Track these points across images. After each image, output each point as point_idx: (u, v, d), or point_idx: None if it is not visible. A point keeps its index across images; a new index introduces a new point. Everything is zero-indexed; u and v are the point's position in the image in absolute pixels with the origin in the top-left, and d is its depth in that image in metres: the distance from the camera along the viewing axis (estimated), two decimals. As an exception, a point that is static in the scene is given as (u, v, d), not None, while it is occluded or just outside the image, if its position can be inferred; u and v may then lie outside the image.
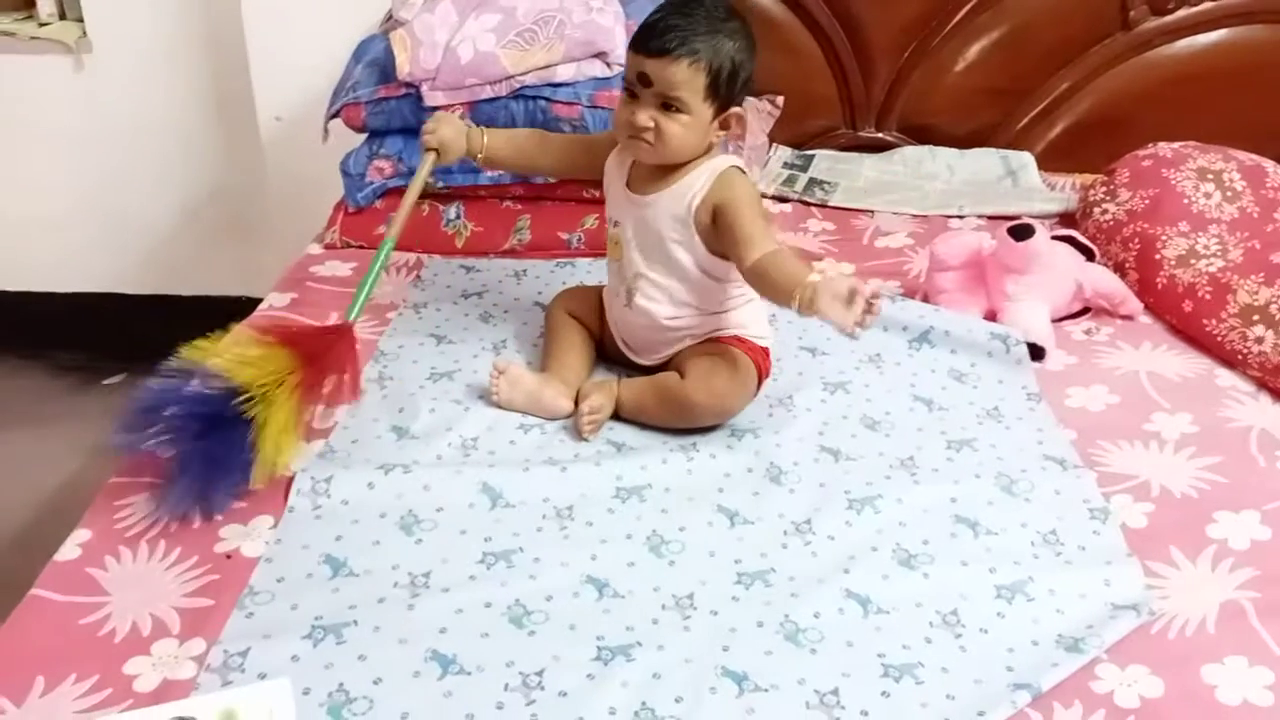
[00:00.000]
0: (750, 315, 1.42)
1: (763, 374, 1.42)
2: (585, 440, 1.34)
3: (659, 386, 1.38)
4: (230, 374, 1.23)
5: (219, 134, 2.36)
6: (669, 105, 1.28)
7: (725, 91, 1.30)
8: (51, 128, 2.36)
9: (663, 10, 1.30)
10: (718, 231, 1.33)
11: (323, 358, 1.29)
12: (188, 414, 1.22)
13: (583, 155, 1.49)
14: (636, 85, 1.29)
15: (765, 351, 1.43)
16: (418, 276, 1.73)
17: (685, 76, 1.27)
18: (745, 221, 1.30)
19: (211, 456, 1.19)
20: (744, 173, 1.36)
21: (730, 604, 1.12)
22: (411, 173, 1.78)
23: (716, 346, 1.40)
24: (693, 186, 1.34)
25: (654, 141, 1.30)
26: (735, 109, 1.33)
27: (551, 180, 1.78)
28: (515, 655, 1.04)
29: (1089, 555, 1.20)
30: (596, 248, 1.79)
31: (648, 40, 1.28)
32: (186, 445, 1.21)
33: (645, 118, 1.29)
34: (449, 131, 1.45)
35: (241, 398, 1.21)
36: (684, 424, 1.36)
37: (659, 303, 1.39)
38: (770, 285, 1.27)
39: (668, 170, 1.36)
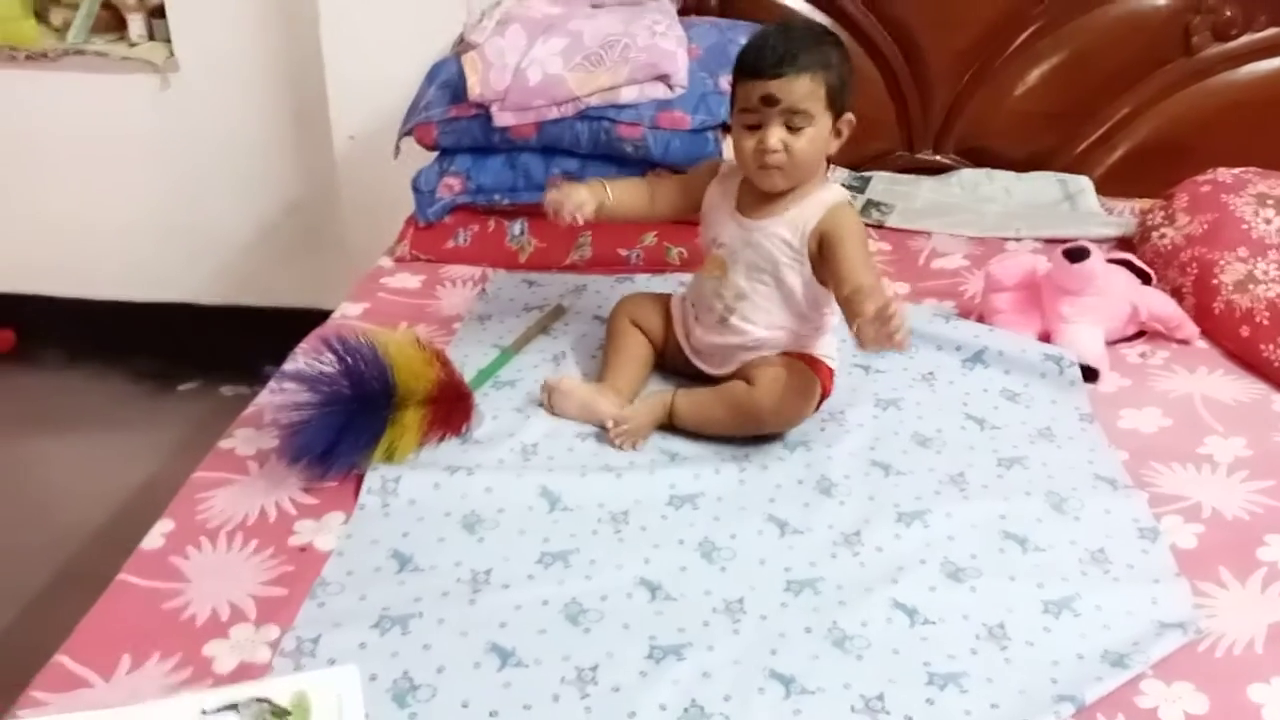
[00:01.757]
0: (825, 336, 1.48)
1: (826, 392, 1.46)
2: (619, 449, 1.38)
3: (726, 394, 1.42)
4: (395, 368, 1.33)
5: (295, 151, 2.46)
6: (792, 124, 1.33)
7: (840, 100, 1.36)
8: (138, 143, 2.47)
9: (763, 38, 1.35)
10: (822, 259, 1.38)
11: (450, 406, 1.38)
12: (343, 382, 1.31)
13: (683, 198, 1.53)
14: (760, 109, 1.33)
15: (831, 372, 1.48)
16: (483, 289, 1.79)
17: (809, 89, 1.32)
18: (849, 252, 1.35)
19: (345, 427, 1.28)
20: (852, 205, 1.43)
21: (779, 610, 1.15)
22: (480, 190, 1.87)
23: (787, 359, 1.44)
24: (804, 213, 1.39)
25: (785, 164, 1.35)
26: (847, 115, 1.39)
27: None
28: (571, 650, 1.08)
29: (1137, 573, 1.21)
30: (654, 264, 1.85)
31: (763, 64, 1.32)
32: (330, 407, 1.30)
33: (776, 139, 1.33)
34: (579, 193, 1.46)
35: (390, 393, 1.31)
36: (749, 430, 1.40)
37: (757, 324, 1.44)
38: (875, 290, 1.33)
39: (778, 196, 1.40)
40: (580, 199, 1.44)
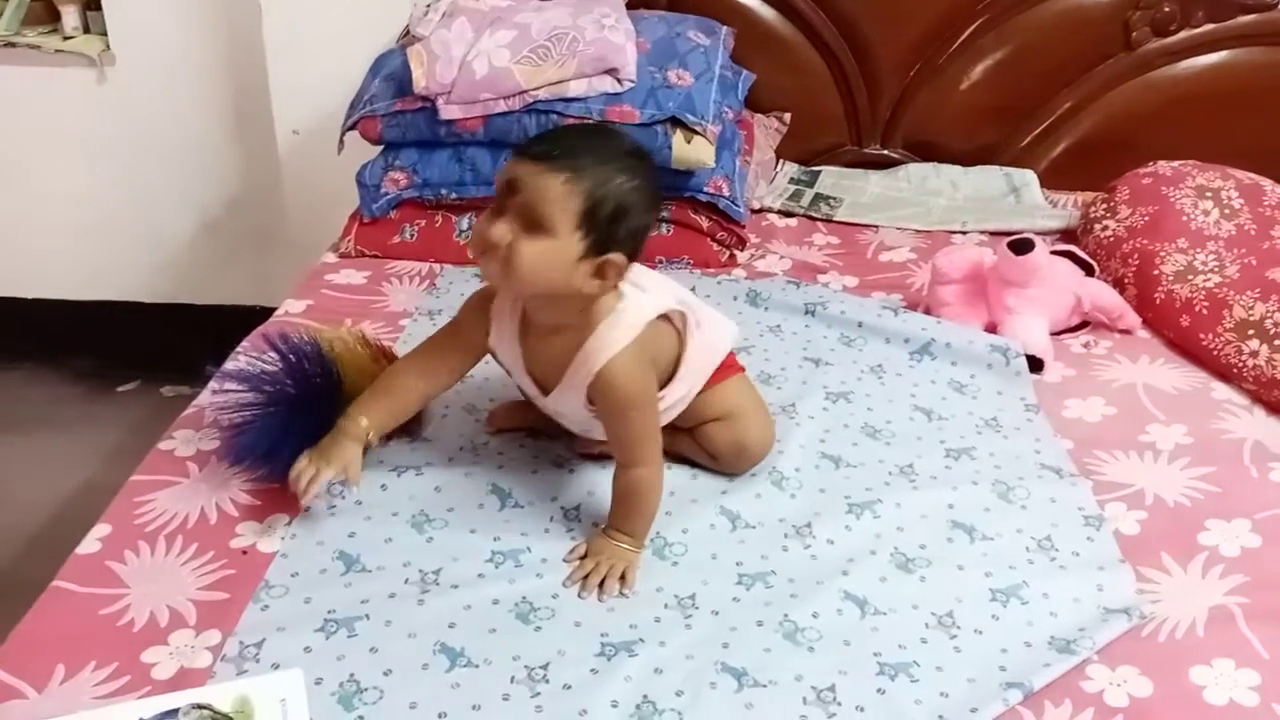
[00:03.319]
0: (709, 357, 1.30)
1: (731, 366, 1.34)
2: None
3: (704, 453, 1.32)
4: (341, 366, 1.31)
5: (236, 146, 2.41)
6: (532, 225, 1.09)
7: (603, 230, 1.10)
8: (73, 139, 2.41)
9: (563, 128, 1.19)
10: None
11: None
12: (287, 381, 1.28)
13: (465, 355, 1.28)
14: (504, 194, 1.11)
15: (734, 366, 1.35)
16: (433, 285, 1.77)
17: (559, 192, 1.08)
18: (618, 430, 1.19)
19: (289, 427, 1.24)
20: (634, 355, 1.17)
21: (731, 604, 1.15)
22: (426, 184, 1.84)
23: (715, 401, 1.30)
24: (580, 372, 1.18)
25: (501, 265, 1.11)
26: (614, 256, 1.12)
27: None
28: (521, 650, 1.07)
29: (1082, 561, 1.23)
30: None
31: (530, 144, 1.14)
32: (273, 406, 1.27)
33: (502, 231, 1.10)
34: (340, 453, 1.20)
35: (335, 392, 1.29)
36: (742, 468, 1.33)
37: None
38: (626, 506, 1.19)
39: (560, 346, 1.19)
40: (342, 463, 1.18)
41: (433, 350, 1.28)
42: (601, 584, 1.16)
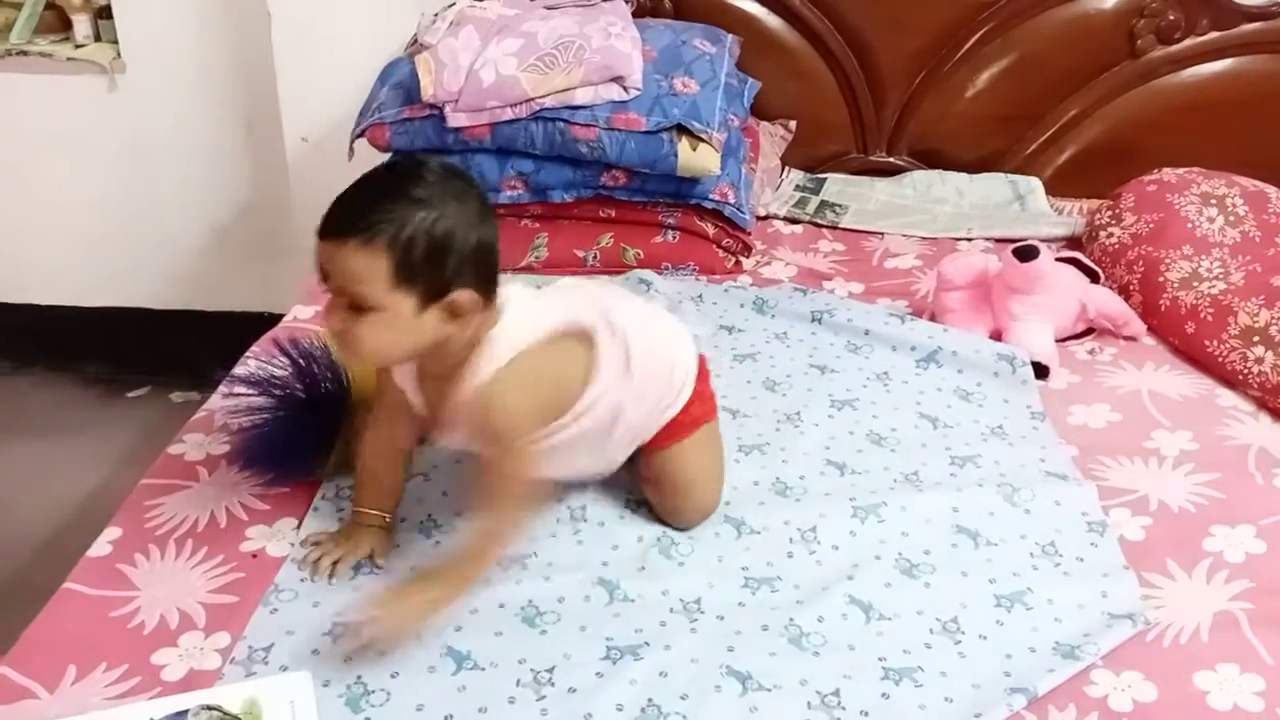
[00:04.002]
0: (646, 386, 1.20)
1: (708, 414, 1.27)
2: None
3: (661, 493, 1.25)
4: (350, 370, 1.30)
5: (246, 153, 2.42)
6: (355, 305, 1.02)
7: (428, 275, 1.01)
8: (84, 146, 2.43)
9: (355, 184, 1.05)
10: None
11: None
12: (296, 385, 1.28)
13: (401, 415, 1.19)
14: (323, 281, 1.04)
15: (705, 398, 1.27)
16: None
17: (359, 263, 1.00)
18: (490, 464, 1.11)
19: (299, 431, 1.25)
20: (511, 386, 1.07)
21: (736, 609, 1.15)
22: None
23: (670, 468, 1.24)
24: (458, 409, 1.10)
25: (350, 352, 1.08)
26: (459, 293, 1.03)
27: (567, 200, 1.84)
28: (527, 653, 1.08)
29: (1087, 567, 1.23)
30: (612, 265, 1.85)
31: (323, 221, 1.02)
32: (283, 410, 1.27)
33: (333, 321, 1.03)
34: (365, 540, 1.19)
35: (345, 396, 1.29)
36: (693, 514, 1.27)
37: (569, 471, 1.23)
38: (488, 538, 1.12)
39: (447, 390, 1.10)
40: (368, 548, 1.18)
41: (385, 421, 1.21)
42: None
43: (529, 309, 1.13)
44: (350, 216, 1.01)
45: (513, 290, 1.13)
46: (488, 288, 1.07)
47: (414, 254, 1.01)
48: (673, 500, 1.25)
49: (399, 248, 1.00)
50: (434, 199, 1.02)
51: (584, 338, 1.16)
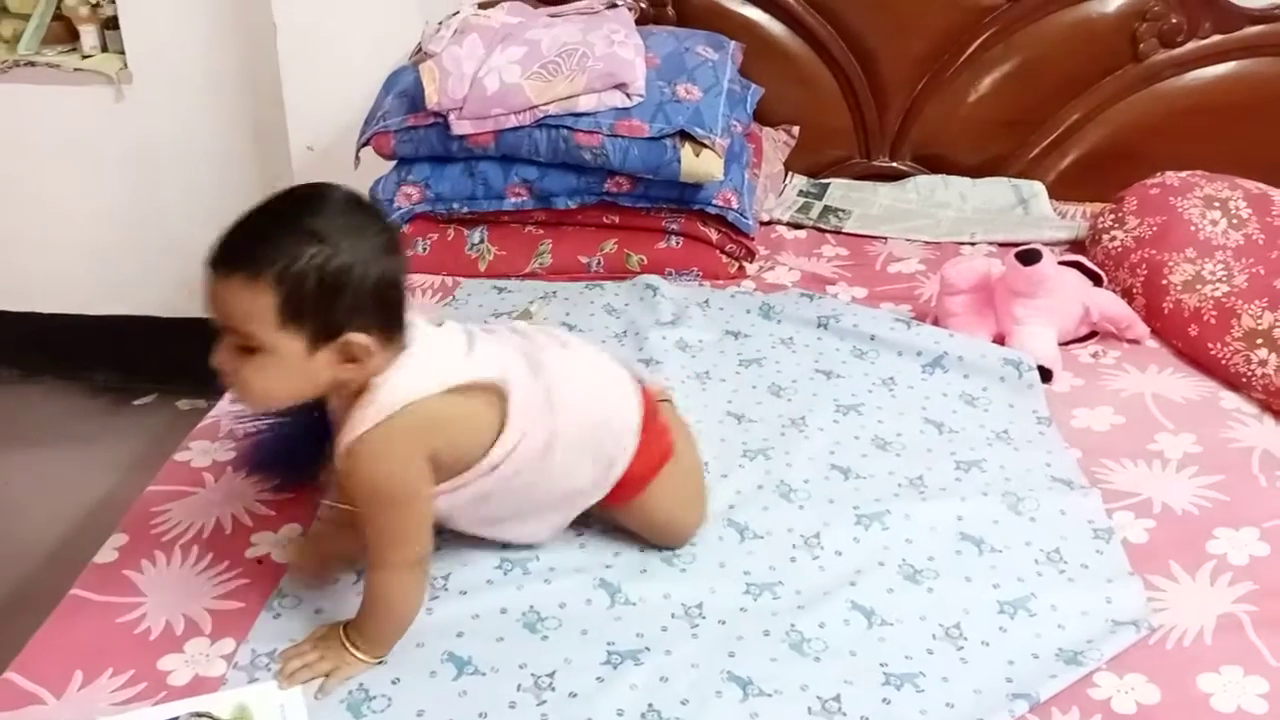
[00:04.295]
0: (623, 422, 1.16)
1: (665, 456, 1.20)
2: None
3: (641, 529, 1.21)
4: None
5: (252, 162, 2.44)
6: (243, 344, 0.97)
7: (319, 314, 0.95)
8: (91, 156, 2.44)
9: (238, 220, 0.99)
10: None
11: None
12: None
13: None
14: (214, 318, 0.98)
15: (657, 443, 1.19)
16: (453, 297, 1.79)
17: (243, 300, 0.94)
18: (365, 522, 1.04)
19: (304, 437, 1.23)
20: (399, 430, 1.01)
21: (738, 613, 1.15)
22: (438, 198, 1.87)
23: (637, 519, 1.21)
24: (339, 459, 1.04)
25: (241, 393, 1.01)
26: (353, 335, 0.97)
27: (571, 206, 1.85)
28: (528, 658, 1.08)
29: (1091, 574, 1.22)
30: (615, 271, 1.86)
31: (210, 253, 0.97)
32: (289, 416, 1.26)
33: (221, 360, 0.98)
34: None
35: None
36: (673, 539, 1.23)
37: (506, 533, 1.18)
38: (368, 610, 1.06)
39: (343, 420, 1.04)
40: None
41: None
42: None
43: (435, 359, 1.05)
44: (237, 248, 0.95)
45: (431, 334, 1.05)
46: (389, 329, 1.00)
47: (303, 291, 0.94)
48: (653, 538, 1.23)
49: (286, 284, 0.93)
50: (330, 232, 0.95)
51: (492, 390, 1.08)
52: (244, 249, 0.95)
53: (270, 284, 0.94)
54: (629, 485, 1.17)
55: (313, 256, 0.94)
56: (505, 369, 1.09)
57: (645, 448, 1.17)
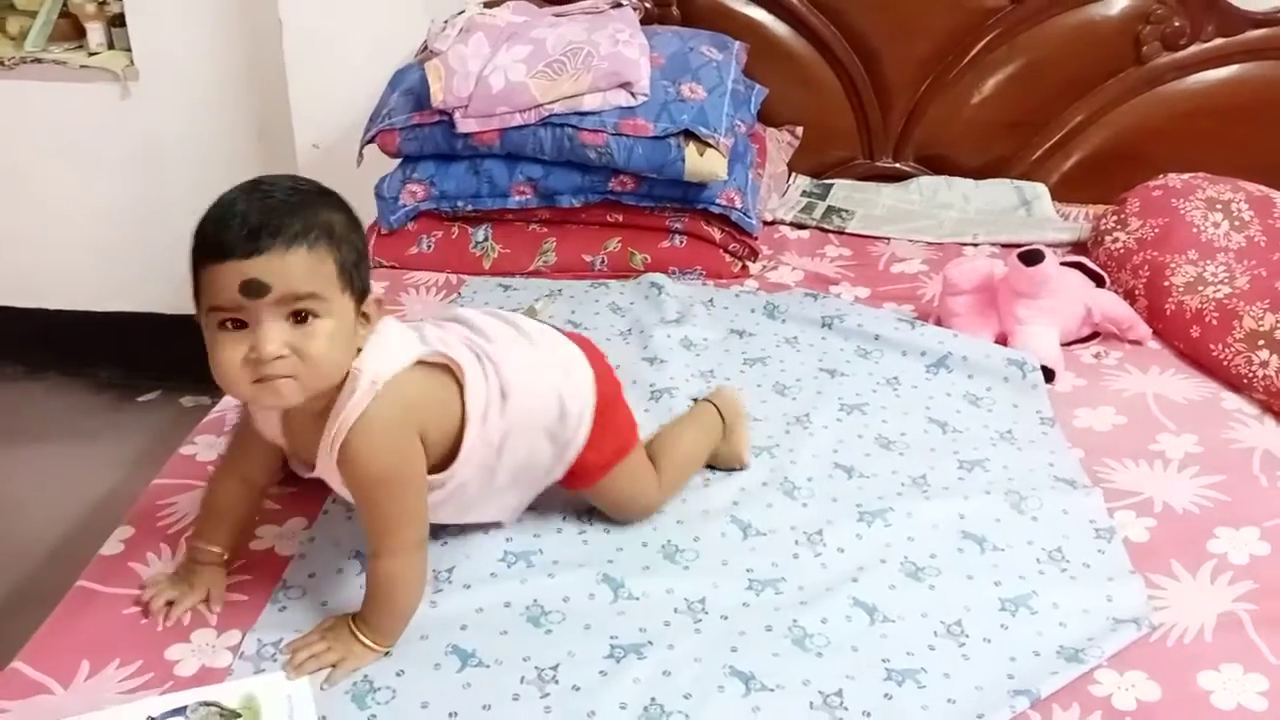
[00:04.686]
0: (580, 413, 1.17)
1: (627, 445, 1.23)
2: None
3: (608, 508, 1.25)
4: None
5: (257, 159, 2.44)
6: (301, 314, 0.96)
7: (357, 272, 1.00)
8: (97, 153, 2.45)
9: (228, 204, 0.97)
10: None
11: None
12: None
13: (256, 448, 1.14)
14: (245, 303, 0.94)
15: (618, 430, 1.23)
16: (458, 294, 1.80)
17: (311, 265, 0.95)
18: (364, 511, 1.05)
19: None
20: (391, 410, 1.02)
21: (740, 609, 1.16)
22: (443, 196, 1.87)
23: (600, 500, 1.24)
24: (329, 448, 1.03)
25: (299, 371, 0.97)
26: (372, 295, 1.03)
27: (575, 204, 1.85)
28: (532, 651, 1.09)
29: (1093, 572, 1.23)
30: (619, 269, 1.87)
31: (234, 240, 0.94)
32: None
33: (277, 344, 0.95)
34: (201, 580, 1.13)
35: None
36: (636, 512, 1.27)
37: (488, 513, 1.21)
38: (373, 601, 1.07)
39: (318, 426, 1.03)
40: (204, 590, 1.12)
41: (237, 455, 1.16)
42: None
43: (393, 338, 1.06)
44: (279, 226, 0.94)
45: (383, 319, 1.06)
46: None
47: (348, 255, 0.98)
48: (615, 515, 1.27)
49: (337, 246, 0.97)
50: (332, 201, 1.01)
51: (448, 373, 1.09)
52: (297, 219, 0.96)
53: (330, 250, 0.97)
54: (587, 471, 1.20)
55: (341, 223, 0.99)
56: (456, 352, 1.10)
57: (601, 433, 1.19)
